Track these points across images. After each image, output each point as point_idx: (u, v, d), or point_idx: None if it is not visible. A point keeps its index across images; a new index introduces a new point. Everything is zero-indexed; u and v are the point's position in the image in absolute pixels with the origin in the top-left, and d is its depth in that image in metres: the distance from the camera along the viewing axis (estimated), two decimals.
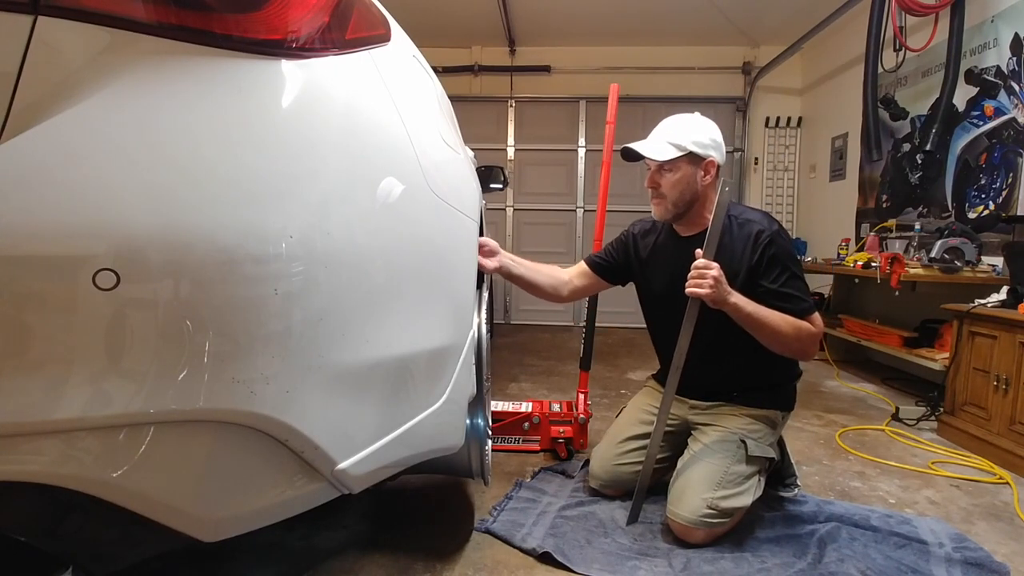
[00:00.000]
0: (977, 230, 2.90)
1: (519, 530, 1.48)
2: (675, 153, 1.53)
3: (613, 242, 1.84)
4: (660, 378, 1.80)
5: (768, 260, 1.50)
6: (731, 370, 1.62)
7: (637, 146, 1.57)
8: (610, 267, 1.81)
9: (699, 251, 1.44)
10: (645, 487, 1.56)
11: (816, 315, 1.50)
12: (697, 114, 1.61)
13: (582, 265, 1.85)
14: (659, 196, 1.59)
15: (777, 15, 4.46)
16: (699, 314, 1.46)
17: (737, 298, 1.42)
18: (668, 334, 1.56)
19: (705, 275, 1.40)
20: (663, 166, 1.56)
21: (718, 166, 1.57)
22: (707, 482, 1.46)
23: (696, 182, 1.56)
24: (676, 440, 1.67)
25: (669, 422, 1.62)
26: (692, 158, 1.54)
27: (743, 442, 1.52)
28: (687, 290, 1.43)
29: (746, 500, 1.46)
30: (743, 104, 5.23)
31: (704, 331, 1.49)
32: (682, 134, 1.54)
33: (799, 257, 1.50)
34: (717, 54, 5.15)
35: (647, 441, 1.58)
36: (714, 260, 1.43)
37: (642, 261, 1.74)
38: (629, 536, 1.48)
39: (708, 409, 1.65)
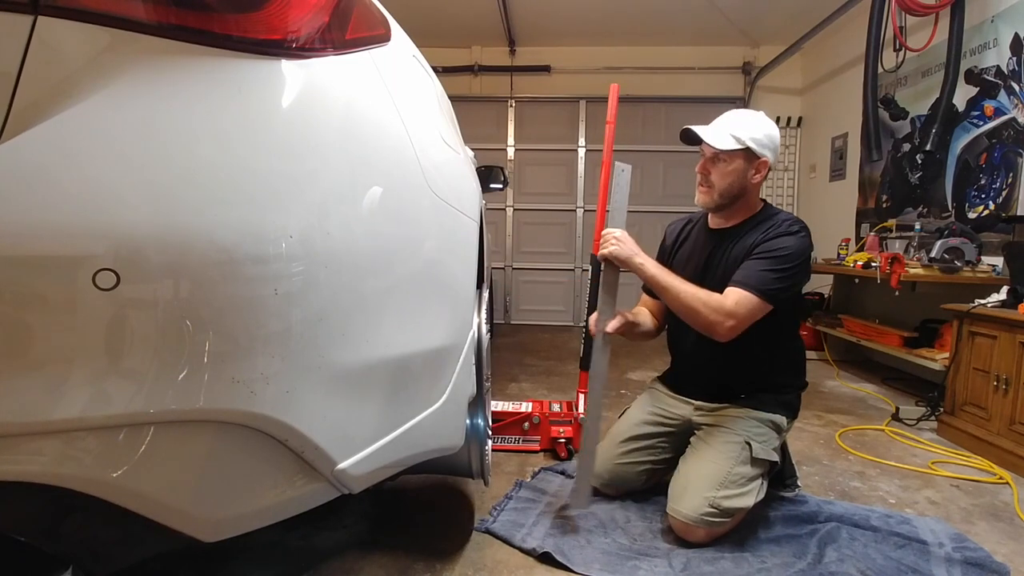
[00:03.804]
0: (977, 230, 2.91)
1: (519, 530, 1.48)
2: (735, 145, 1.54)
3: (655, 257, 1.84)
4: (666, 379, 1.81)
5: (770, 239, 1.52)
6: (740, 370, 1.61)
7: (699, 130, 1.56)
8: None
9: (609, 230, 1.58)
10: (590, 468, 1.57)
11: (749, 301, 1.45)
12: (762, 113, 1.61)
13: (643, 296, 1.83)
14: (707, 184, 1.59)
15: (777, 15, 4.46)
16: None
17: (643, 259, 1.53)
18: (684, 327, 1.56)
19: (607, 237, 1.56)
20: (719, 155, 1.56)
21: (769, 167, 1.58)
22: (710, 481, 1.46)
23: (747, 178, 1.57)
24: (678, 441, 1.67)
25: (671, 422, 1.62)
26: (748, 154, 1.55)
27: (748, 444, 1.51)
28: (599, 254, 1.57)
29: (748, 501, 1.46)
30: (743, 104, 5.21)
31: None
32: (744, 129, 1.55)
33: (801, 262, 1.50)
34: (717, 54, 5.14)
35: (649, 442, 1.58)
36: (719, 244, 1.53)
37: (669, 253, 1.78)
38: (629, 536, 1.48)
39: (713, 411, 1.64)
